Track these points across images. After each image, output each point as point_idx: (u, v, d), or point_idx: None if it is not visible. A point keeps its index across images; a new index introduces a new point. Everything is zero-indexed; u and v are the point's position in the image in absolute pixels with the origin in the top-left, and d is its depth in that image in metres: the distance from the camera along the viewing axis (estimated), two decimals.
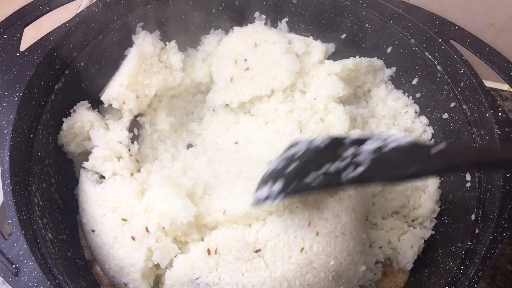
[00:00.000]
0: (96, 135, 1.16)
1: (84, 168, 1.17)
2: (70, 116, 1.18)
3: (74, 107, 1.20)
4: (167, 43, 1.33)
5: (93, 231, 1.09)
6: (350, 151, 0.84)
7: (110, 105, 1.20)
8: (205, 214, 1.04)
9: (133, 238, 1.02)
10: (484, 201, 1.02)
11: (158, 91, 1.26)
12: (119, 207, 1.07)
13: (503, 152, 0.82)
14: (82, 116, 1.18)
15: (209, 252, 0.99)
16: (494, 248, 0.91)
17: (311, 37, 1.41)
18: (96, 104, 1.27)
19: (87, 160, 1.16)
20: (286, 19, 1.45)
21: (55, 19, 1.18)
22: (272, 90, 1.29)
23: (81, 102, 1.22)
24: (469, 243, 0.99)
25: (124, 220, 1.05)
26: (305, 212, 0.97)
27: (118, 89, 1.18)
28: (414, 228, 1.20)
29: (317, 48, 1.35)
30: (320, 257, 0.98)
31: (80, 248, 1.15)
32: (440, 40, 1.20)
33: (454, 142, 1.19)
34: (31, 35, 1.16)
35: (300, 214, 0.98)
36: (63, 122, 1.16)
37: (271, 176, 0.91)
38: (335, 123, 1.22)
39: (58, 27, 1.15)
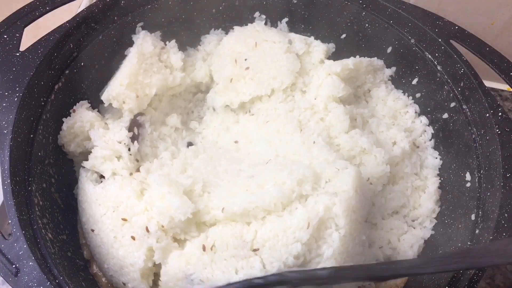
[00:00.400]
0: (96, 135, 1.17)
1: (84, 167, 1.17)
2: (70, 116, 1.19)
3: (74, 107, 1.20)
4: (167, 42, 1.33)
5: (93, 230, 1.09)
6: None
7: (110, 104, 1.20)
8: (204, 212, 1.04)
9: (133, 238, 1.02)
10: (484, 201, 1.02)
11: (158, 90, 1.26)
12: (119, 207, 1.07)
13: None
14: (82, 116, 1.18)
15: (204, 248, 0.99)
16: None
17: (312, 37, 1.41)
18: (96, 104, 1.27)
19: (87, 160, 1.16)
20: (286, 19, 1.45)
21: (55, 19, 1.18)
22: (272, 90, 1.29)
23: (81, 102, 1.22)
24: (469, 243, 0.99)
25: (124, 219, 1.05)
26: (305, 214, 0.97)
27: (118, 89, 1.18)
28: (414, 228, 1.20)
29: (317, 47, 1.35)
30: None
31: (80, 248, 1.15)
32: (440, 40, 1.20)
33: (454, 142, 1.19)
34: (31, 35, 1.16)
35: (300, 215, 0.97)
36: (63, 122, 1.16)
37: None
38: (335, 123, 1.22)
39: (58, 27, 1.15)
